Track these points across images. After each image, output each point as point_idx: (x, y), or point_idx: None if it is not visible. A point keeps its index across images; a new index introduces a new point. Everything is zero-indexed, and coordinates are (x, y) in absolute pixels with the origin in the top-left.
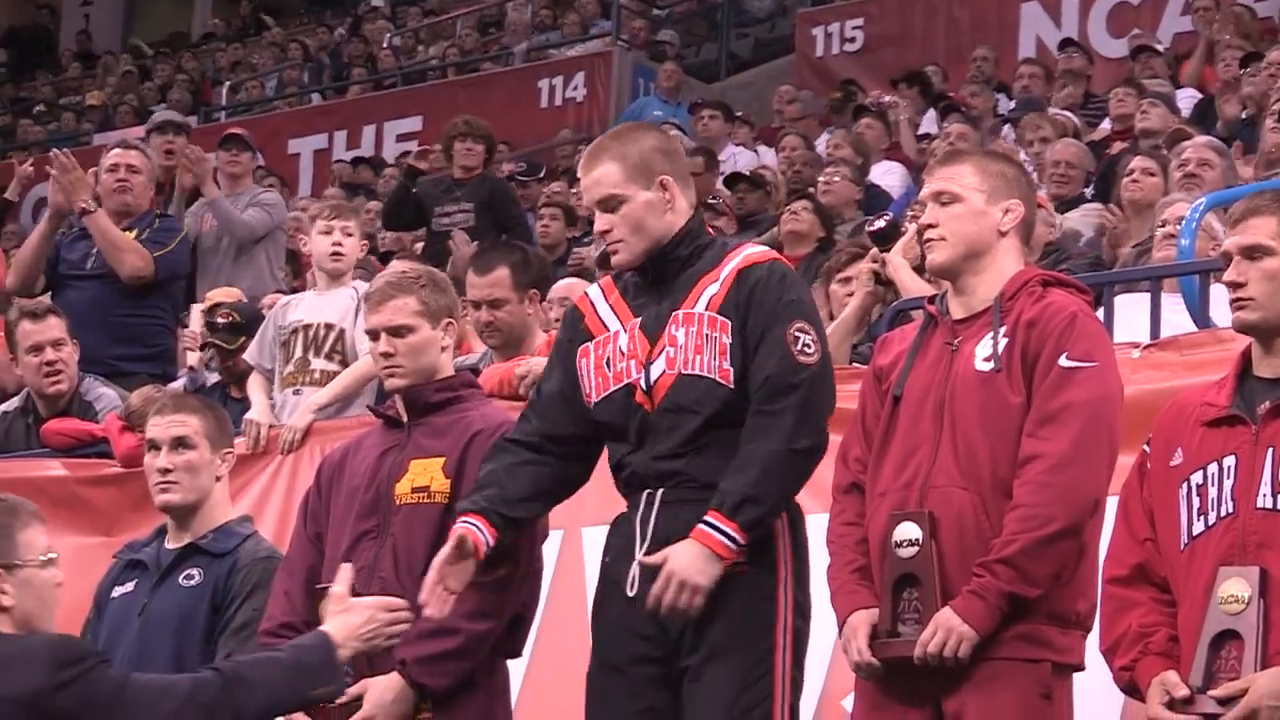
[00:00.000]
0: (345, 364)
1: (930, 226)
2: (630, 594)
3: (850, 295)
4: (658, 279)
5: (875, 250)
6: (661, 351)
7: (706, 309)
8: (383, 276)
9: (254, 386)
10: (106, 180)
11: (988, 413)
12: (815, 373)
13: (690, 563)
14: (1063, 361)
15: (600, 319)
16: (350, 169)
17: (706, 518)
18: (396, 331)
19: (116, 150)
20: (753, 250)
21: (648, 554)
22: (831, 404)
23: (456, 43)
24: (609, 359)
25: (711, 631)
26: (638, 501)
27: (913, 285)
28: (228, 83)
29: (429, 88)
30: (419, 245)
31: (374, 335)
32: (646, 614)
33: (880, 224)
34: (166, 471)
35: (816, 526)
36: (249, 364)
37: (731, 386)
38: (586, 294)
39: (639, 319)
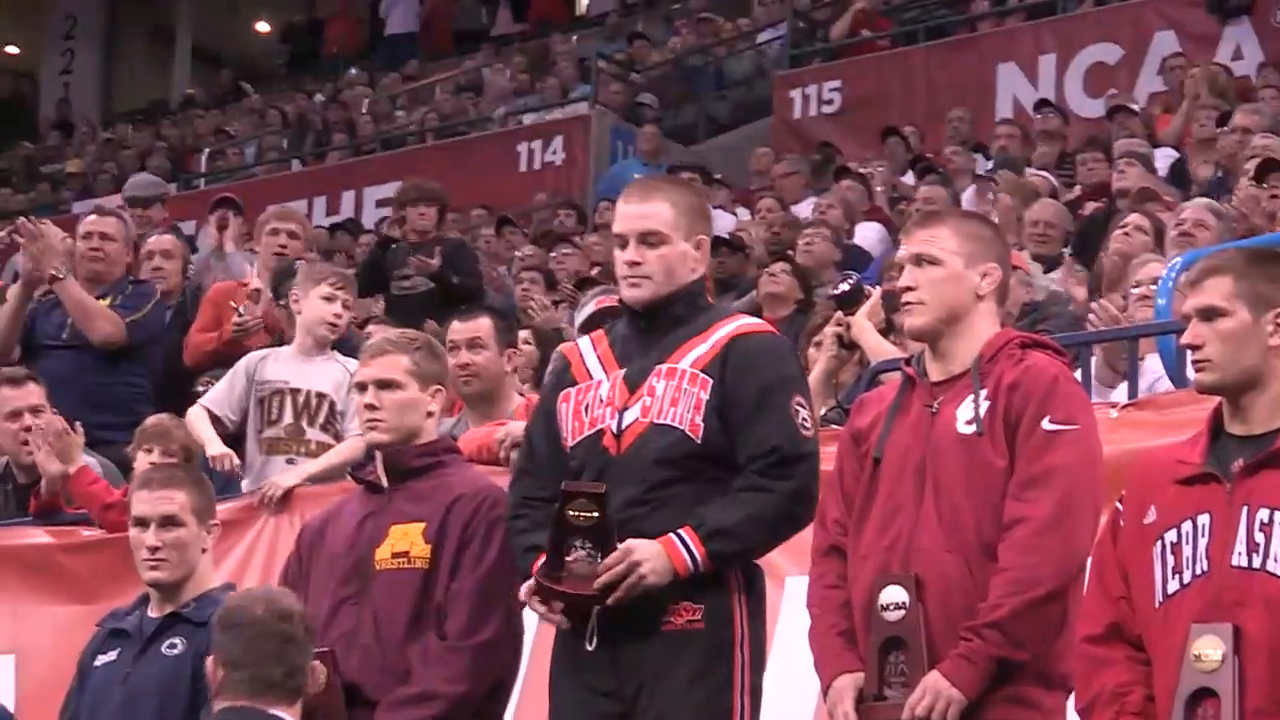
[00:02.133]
0: (338, 438)
1: (909, 289)
2: (590, 648)
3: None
4: (649, 331)
5: (839, 314)
6: (638, 400)
7: (690, 366)
8: (381, 334)
9: (201, 420)
10: (81, 248)
11: (971, 476)
12: (814, 449)
13: (652, 558)
14: (1045, 425)
15: (586, 367)
16: (328, 235)
17: (680, 531)
18: (384, 385)
19: (92, 218)
20: (749, 320)
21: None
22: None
23: (435, 108)
24: (588, 404)
25: (667, 692)
26: None
27: (877, 347)
28: (207, 149)
29: (408, 153)
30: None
31: (362, 388)
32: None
33: (845, 287)
34: (155, 550)
35: (796, 589)
36: (207, 407)
37: (699, 442)
38: (576, 344)
39: (623, 369)
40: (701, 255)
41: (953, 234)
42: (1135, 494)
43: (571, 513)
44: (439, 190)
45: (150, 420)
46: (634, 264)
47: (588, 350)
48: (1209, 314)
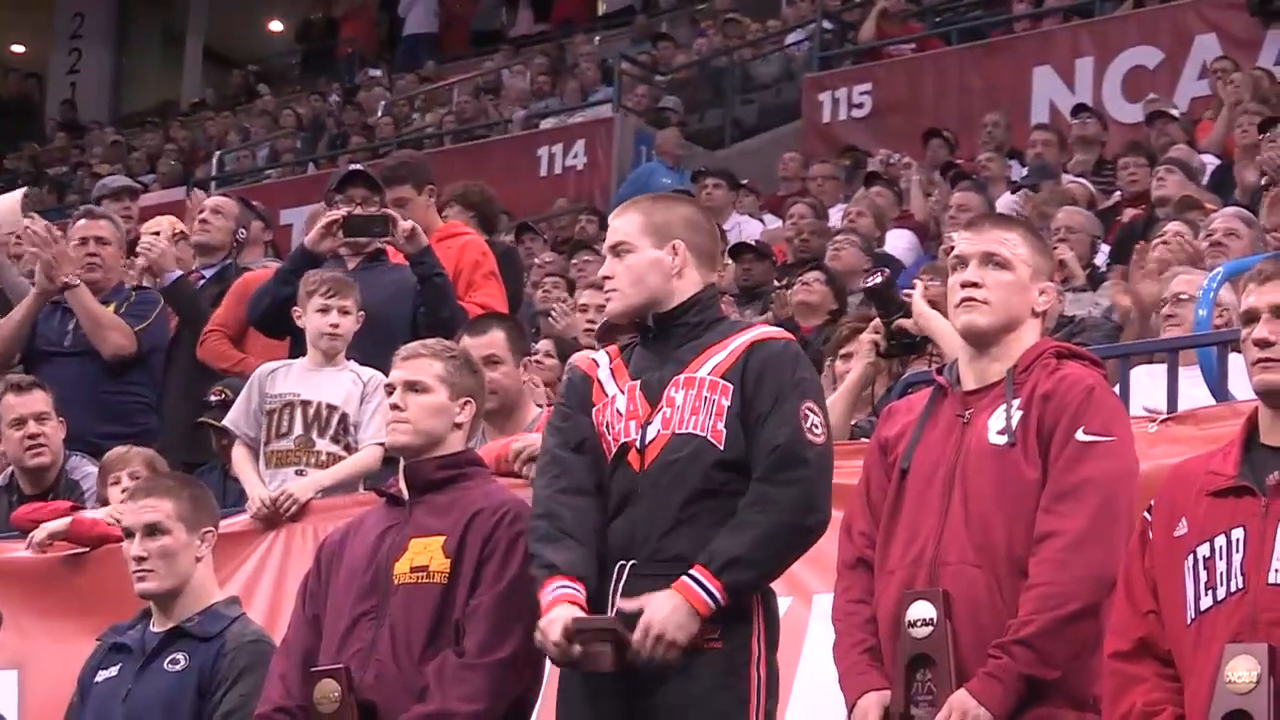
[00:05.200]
0: (349, 450)
1: (974, 285)
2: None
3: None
4: (660, 340)
5: (876, 322)
6: (659, 413)
7: (710, 374)
8: (419, 340)
9: (243, 461)
10: (75, 254)
11: (1002, 488)
12: (822, 453)
13: (669, 616)
14: (1080, 435)
15: (601, 385)
16: None
17: (691, 571)
18: (412, 386)
19: (83, 222)
20: (769, 329)
21: None
22: (830, 490)
23: (453, 110)
24: (609, 423)
25: (683, 712)
26: (609, 573)
27: (948, 331)
28: (218, 152)
29: (425, 156)
30: None
31: (390, 390)
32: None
33: (876, 279)
34: (141, 559)
35: (824, 606)
36: (232, 432)
37: (722, 449)
38: (594, 360)
39: (638, 380)
40: (681, 262)
41: (1024, 242)
42: (1164, 505)
43: (589, 657)
44: (477, 192)
45: (109, 455)
46: (605, 278)
47: (604, 365)
48: None
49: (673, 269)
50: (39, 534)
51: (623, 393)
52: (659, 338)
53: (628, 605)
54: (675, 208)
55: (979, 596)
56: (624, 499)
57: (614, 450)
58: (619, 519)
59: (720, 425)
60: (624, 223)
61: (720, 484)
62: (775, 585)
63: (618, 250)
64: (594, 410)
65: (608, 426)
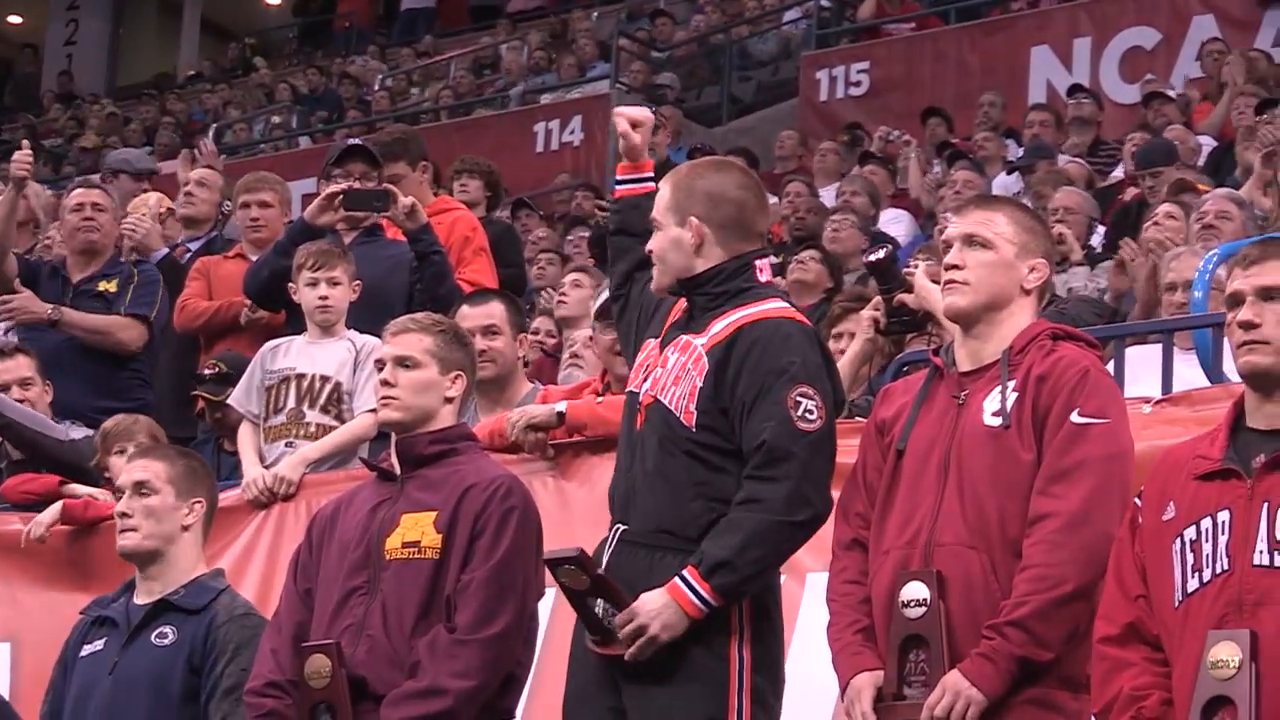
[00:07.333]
0: (341, 419)
1: (955, 268)
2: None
3: (843, 352)
4: (690, 309)
5: (878, 299)
6: (655, 370)
7: (703, 345)
8: (408, 315)
9: (245, 440)
10: (71, 219)
11: (997, 469)
12: (815, 440)
13: (659, 613)
14: (1074, 418)
15: (667, 318)
16: None
17: (684, 572)
18: (402, 362)
19: (79, 190)
20: (769, 305)
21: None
22: (832, 469)
23: (450, 85)
24: (643, 362)
25: (658, 693)
26: (610, 535)
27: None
28: (213, 125)
29: (421, 131)
30: None
31: (380, 365)
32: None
33: (879, 254)
34: (125, 516)
35: (819, 585)
36: (239, 411)
37: (693, 430)
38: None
39: (663, 336)
40: (698, 238)
41: (1009, 221)
42: (1154, 490)
43: (564, 581)
44: (487, 164)
45: (109, 423)
46: (649, 253)
47: (677, 309)
48: (1272, 293)
49: (691, 246)
50: (35, 530)
51: (656, 341)
52: (689, 305)
53: (622, 616)
54: (700, 181)
55: (973, 577)
56: (622, 454)
57: (629, 388)
58: (622, 476)
59: (692, 407)
60: (659, 198)
61: (694, 455)
62: None
63: (652, 225)
64: (651, 340)
65: (642, 367)
